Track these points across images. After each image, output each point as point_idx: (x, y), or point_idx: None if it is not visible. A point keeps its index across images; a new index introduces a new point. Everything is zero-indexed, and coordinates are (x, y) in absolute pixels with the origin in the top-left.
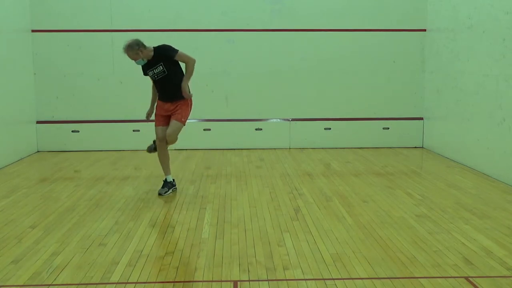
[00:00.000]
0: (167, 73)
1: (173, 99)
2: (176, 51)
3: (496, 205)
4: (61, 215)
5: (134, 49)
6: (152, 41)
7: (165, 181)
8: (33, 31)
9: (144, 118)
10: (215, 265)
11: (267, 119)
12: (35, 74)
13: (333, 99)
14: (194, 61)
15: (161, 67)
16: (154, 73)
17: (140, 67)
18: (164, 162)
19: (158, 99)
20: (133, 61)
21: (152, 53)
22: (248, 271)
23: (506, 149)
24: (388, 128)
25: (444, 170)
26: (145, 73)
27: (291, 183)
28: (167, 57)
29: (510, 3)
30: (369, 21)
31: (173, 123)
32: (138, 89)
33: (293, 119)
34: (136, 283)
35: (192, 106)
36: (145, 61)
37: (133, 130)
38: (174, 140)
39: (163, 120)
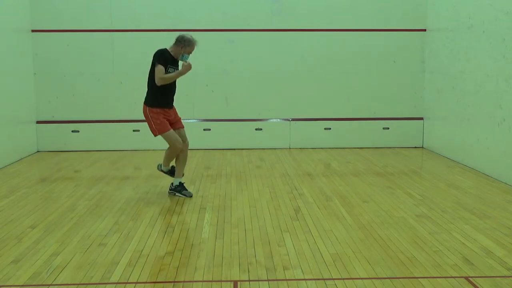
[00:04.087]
0: None
1: (173, 102)
2: None
3: (496, 205)
4: (61, 215)
5: None
6: (152, 41)
7: (182, 184)
8: (33, 31)
9: (142, 118)
10: (215, 265)
11: (267, 119)
12: (35, 74)
13: (333, 99)
14: None
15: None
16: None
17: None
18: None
19: (162, 106)
20: (186, 54)
21: None
22: (248, 271)
23: (506, 149)
24: (388, 128)
25: (444, 170)
26: (170, 69)
27: (291, 183)
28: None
29: (510, 3)
30: (369, 21)
31: (184, 131)
32: (138, 89)
33: (293, 119)
34: (136, 283)
35: None
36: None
37: (133, 130)
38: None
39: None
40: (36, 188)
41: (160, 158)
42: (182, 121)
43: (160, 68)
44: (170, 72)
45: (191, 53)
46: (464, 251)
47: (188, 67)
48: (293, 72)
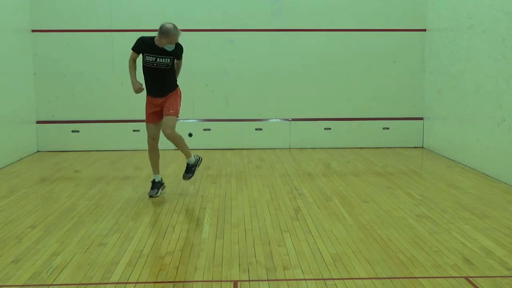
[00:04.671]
0: (168, 68)
1: (165, 92)
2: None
3: (496, 205)
4: (61, 215)
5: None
6: None
7: (154, 181)
8: (33, 31)
9: (142, 118)
10: (215, 265)
11: (267, 119)
12: (35, 74)
13: (333, 99)
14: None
15: (169, 60)
16: (157, 61)
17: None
18: (155, 161)
19: (148, 94)
20: (167, 45)
21: None
22: (248, 271)
23: (506, 149)
24: (388, 128)
25: (444, 170)
26: (147, 57)
27: (291, 183)
28: (178, 56)
29: (510, 3)
30: (369, 21)
31: (169, 119)
32: None
33: (293, 119)
34: (136, 283)
35: (182, 97)
36: (173, 47)
37: (133, 130)
38: (176, 135)
39: (154, 116)
40: (36, 188)
41: (160, 158)
42: (170, 111)
43: (131, 53)
44: (148, 60)
45: (172, 43)
46: (464, 251)
47: (136, 86)
48: (293, 72)
